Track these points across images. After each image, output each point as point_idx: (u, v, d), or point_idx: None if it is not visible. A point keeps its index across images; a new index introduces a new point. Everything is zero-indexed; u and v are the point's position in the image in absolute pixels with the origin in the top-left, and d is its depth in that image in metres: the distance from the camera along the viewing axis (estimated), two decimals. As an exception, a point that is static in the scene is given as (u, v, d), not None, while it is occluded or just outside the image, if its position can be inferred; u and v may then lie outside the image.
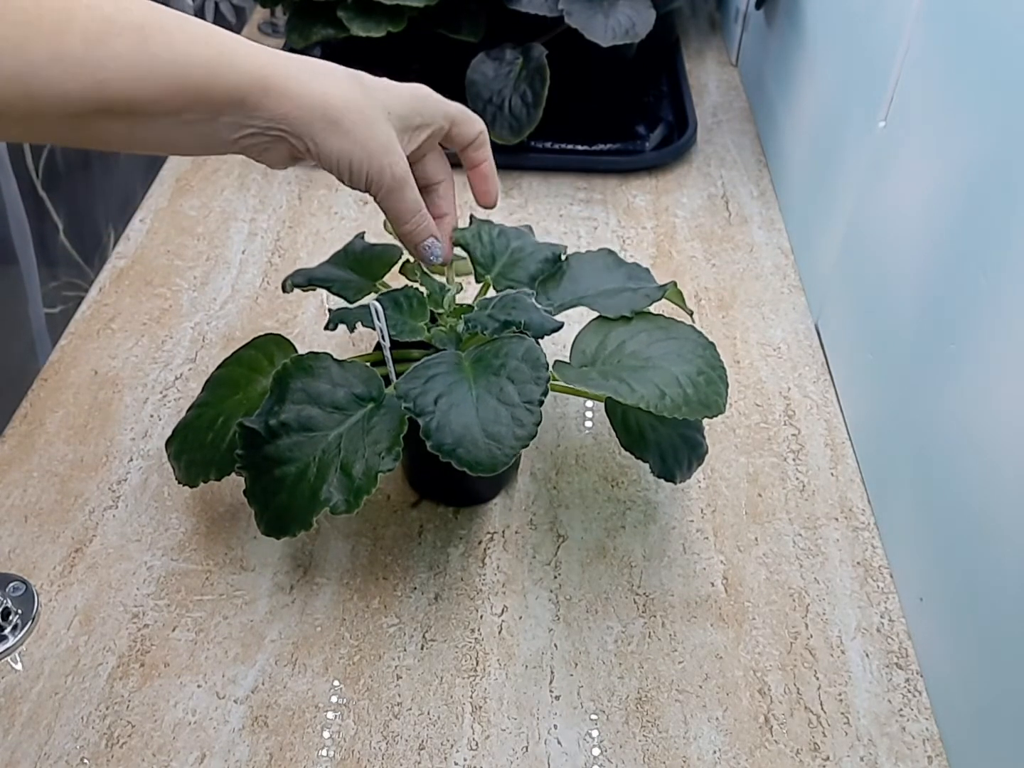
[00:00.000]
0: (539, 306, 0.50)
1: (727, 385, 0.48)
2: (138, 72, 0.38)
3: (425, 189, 0.52)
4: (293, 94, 0.42)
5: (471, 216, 0.57)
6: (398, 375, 0.48)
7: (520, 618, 0.52)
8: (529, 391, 0.45)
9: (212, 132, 0.42)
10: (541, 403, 0.45)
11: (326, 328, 0.51)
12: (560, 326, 0.49)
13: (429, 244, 0.51)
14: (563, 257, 0.57)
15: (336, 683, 0.49)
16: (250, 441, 0.45)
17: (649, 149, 0.88)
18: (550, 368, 0.46)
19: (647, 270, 0.57)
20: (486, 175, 0.54)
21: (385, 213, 0.49)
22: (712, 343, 0.50)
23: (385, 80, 0.48)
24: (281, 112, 0.42)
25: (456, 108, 0.51)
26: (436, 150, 0.52)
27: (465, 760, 0.47)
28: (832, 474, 0.61)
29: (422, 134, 0.49)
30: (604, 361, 0.50)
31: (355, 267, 0.58)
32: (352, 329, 0.50)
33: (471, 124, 0.52)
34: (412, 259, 0.54)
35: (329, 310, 0.51)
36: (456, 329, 0.51)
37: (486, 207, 0.54)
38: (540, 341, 0.48)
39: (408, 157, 0.48)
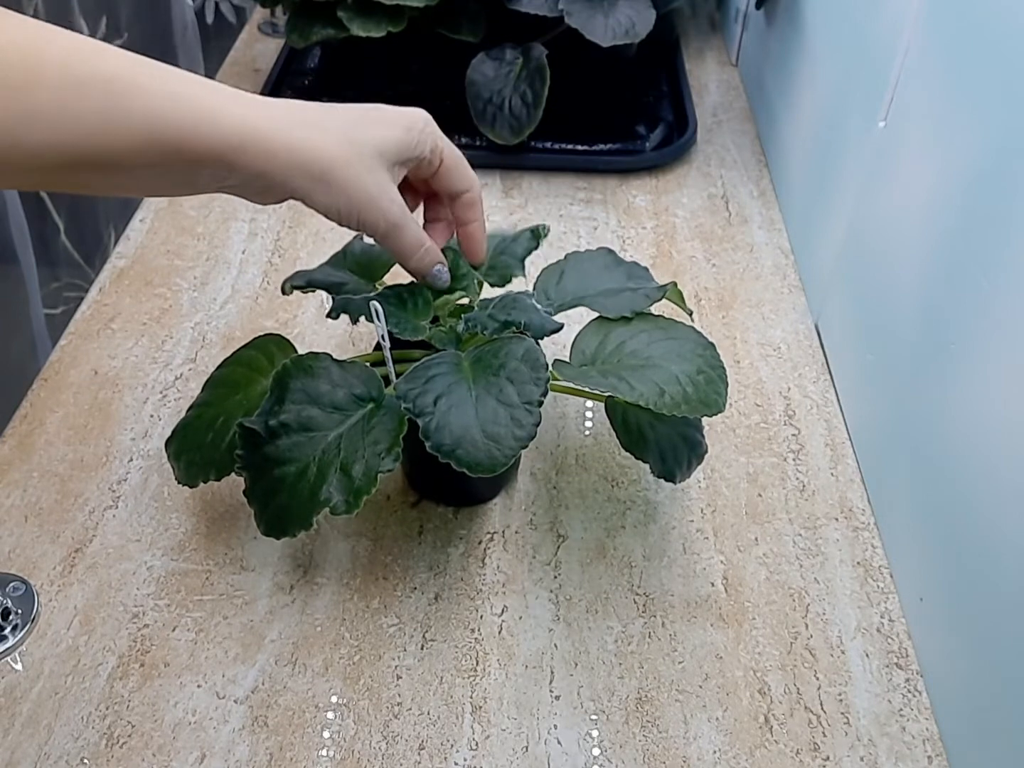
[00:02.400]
0: (539, 307, 0.50)
1: (727, 384, 0.49)
2: (112, 128, 0.37)
3: (448, 199, 0.50)
4: (273, 152, 0.41)
5: None
6: (398, 375, 0.48)
7: (520, 618, 0.52)
8: (529, 392, 0.45)
9: (193, 181, 0.41)
10: (540, 404, 0.45)
11: (328, 316, 0.51)
12: (560, 327, 0.49)
13: (436, 272, 0.50)
14: (544, 233, 0.57)
15: (336, 683, 0.49)
16: (250, 441, 0.45)
17: (649, 149, 0.88)
18: (549, 368, 0.46)
19: (646, 269, 0.57)
20: (473, 236, 0.51)
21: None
22: (712, 343, 0.50)
23: (380, 112, 0.46)
24: (260, 169, 0.41)
25: (450, 150, 0.48)
26: (454, 158, 0.49)
27: (465, 760, 0.47)
28: (832, 474, 0.61)
29: (418, 164, 0.48)
30: (604, 361, 0.50)
31: (354, 269, 0.58)
32: (355, 320, 0.50)
33: (460, 178, 0.49)
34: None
35: (333, 297, 0.51)
36: (456, 329, 0.51)
37: (473, 266, 0.53)
38: (540, 342, 0.48)
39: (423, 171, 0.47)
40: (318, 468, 0.45)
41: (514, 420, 0.44)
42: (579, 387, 0.49)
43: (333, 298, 0.51)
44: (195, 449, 0.50)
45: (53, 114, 0.35)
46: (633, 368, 0.48)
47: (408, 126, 0.46)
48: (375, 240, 0.47)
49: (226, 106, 0.40)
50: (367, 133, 0.44)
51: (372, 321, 0.48)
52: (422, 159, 0.47)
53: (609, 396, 0.50)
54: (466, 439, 0.43)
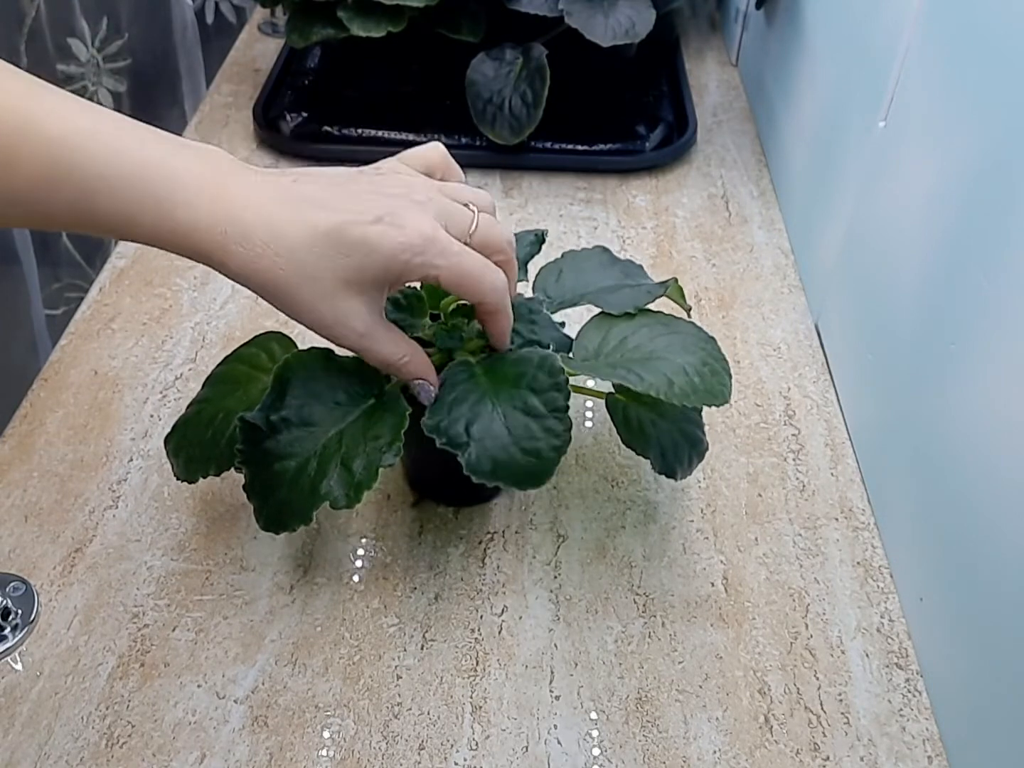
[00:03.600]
0: (550, 315, 0.50)
1: (731, 376, 0.49)
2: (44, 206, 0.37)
3: None
4: (222, 262, 0.39)
5: None
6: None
7: (520, 618, 0.52)
8: (553, 399, 0.45)
9: None
10: (567, 409, 0.45)
11: None
12: (570, 345, 0.49)
13: (417, 386, 0.46)
14: (545, 238, 0.57)
15: (336, 683, 0.49)
16: (250, 436, 0.45)
17: (649, 149, 0.88)
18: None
19: (640, 267, 0.57)
20: (493, 334, 0.47)
21: None
22: (712, 337, 0.51)
23: (363, 232, 0.39)
24: (223, 271, 0.40)
25: (450, 274, 0.41)
26: (454, 280, 0.42)
27: (465, 760, 0.46)
28: (832, 474, 0.61)
29: (398, 286, 0.45)
30: (608, 355, 0.50)
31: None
32: None
33: (468, 295, 0.44)
34: None
35: None
36: (460, 328, 0.51)
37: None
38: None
39: None
40: (318, 463, 0.45)
41: (547, 431, 0.45)
42: (585, 382, 0.50)
43: None
44: (195, 445, 0.50)
45: None
46: (639, 361, 0.49)
47: (392, 255, 0.40)
48: None
49: (189, 217, 0.38)
50: (334, 262, 0.40)
51: None
52: (411, 282, 0.43)
53: (609, 393, 0.50)
54: (505, 461, 0.44)
